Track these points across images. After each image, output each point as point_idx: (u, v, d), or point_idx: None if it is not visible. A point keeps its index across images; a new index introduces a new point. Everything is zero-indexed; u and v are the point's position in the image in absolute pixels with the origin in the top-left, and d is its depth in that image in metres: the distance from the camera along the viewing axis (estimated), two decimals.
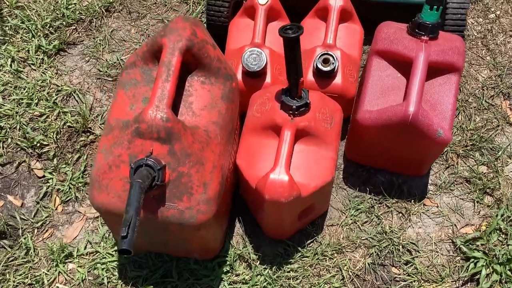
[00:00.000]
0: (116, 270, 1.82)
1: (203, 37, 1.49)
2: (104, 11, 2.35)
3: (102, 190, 1.42)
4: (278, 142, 1.60)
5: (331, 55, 1.82)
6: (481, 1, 2.42)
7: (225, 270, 1.81)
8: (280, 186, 1.52)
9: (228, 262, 1.82)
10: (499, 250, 1.85)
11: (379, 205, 1.97)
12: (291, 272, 1.82)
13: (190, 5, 2.37)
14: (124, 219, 1.19)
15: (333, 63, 1.82)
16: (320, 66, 1.82)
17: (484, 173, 2.03)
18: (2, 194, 1.98)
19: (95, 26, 2.32)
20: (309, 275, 1.82)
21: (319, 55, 1.83)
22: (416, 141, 1.73)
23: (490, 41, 2.32)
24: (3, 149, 2.04)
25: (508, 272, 1.81)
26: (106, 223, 1.83)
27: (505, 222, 1.92)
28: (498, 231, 1.91)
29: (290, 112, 1.60)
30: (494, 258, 1.85)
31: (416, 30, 1.72)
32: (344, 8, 1.93)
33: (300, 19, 2.04)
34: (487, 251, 1.87)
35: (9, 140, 2.05)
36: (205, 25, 2.12)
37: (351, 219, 1.94)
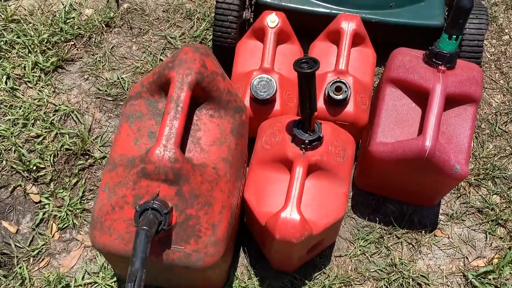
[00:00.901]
0: None
1: (213, 69, 1.41)
2: (104, 26, 2.25)
3: (104, 232, 1.34)
4: (289, 178, 1.52)
5: (343, 83, 1.75)
6: (495, 22, 2.35)
7: None
8: (291, 227, 1.45)
9: None
10: (511, 285, 1.81)
11: (389, 235, 1.91)
12: None
13: (194, 21, 2.28)
14: (129, 273, 1.11)
15: (345, 92, 1.75)
16: (332, 94, 1.75)
17: (497, 204, 1.97)
18: None
19: (95, 42, 2.23)
20: None
21: (331, 83, 1.75)
22: (431, 176, 1.66)
23: (503, 64, 2.26)
24: None
25: None
26: (106, 260, 1.74)
27: None
28: (510, 265, 1.86)
29: (302, 146, 1.53)
30: None
31: (433, 59, 1.65)
32: (357, 32, 1.85)
33: (310, 40, 1.97)
34: (499, 286, 1.81)
35: (4, 162, 1.96)
36: (210, 43, 2.04)
37: (359, 250, 1.87)
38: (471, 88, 1.66)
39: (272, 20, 1.84)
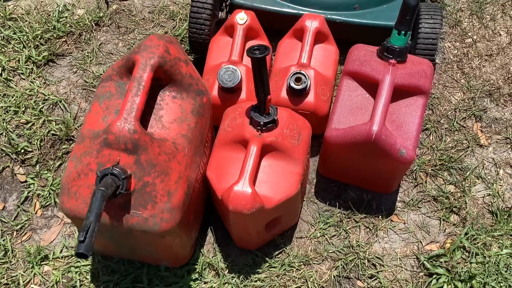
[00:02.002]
0: (89, 274, 1.89)
1: (176, 55, 1.57)
2: (93, 25, 2.45)
3: (71, 197, 1.49)
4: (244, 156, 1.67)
5: (303, 74, 1.90)
6: (459, 25, 2.50)
7: (193, 278, 1.87)
8: (243, 199, 1.59)
9: (197, 270, 1.88)
10: (462, 268, 1.91)
11: (348, 219, 2.03)
12: (258, 281, 1.89)
13: (176, 22, 2.47)
14: (83, 225, 1.25)
15: (305, 82, 1.90)
16: (292, 84, 1.90)
17: (452, 192, 2.09)
18: None
19: (84, 39, 2.42)
20: (275, 285, 1.88)
21: (292, 74, 1.91)
22: (380, 160, 1.79)
23: (465, 65, 2.39)
24: None
25: None
26: (75, 225, 1.90)
27: (469, 241, 1.97)
28: (461, 249, 1.97)
29: (258, 127, 1.68)
30: (456, 275, 1.90)
31: (385, 54, 1.79)
32: (319, 30, 2.01)
33: (279, 38, 2.13)
34: (449, 268, 1.92)
35: None
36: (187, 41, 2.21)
37: (319, 232, 2.00)
38: (420, 81, 1.80)
39: (241, 17, 2.01)
